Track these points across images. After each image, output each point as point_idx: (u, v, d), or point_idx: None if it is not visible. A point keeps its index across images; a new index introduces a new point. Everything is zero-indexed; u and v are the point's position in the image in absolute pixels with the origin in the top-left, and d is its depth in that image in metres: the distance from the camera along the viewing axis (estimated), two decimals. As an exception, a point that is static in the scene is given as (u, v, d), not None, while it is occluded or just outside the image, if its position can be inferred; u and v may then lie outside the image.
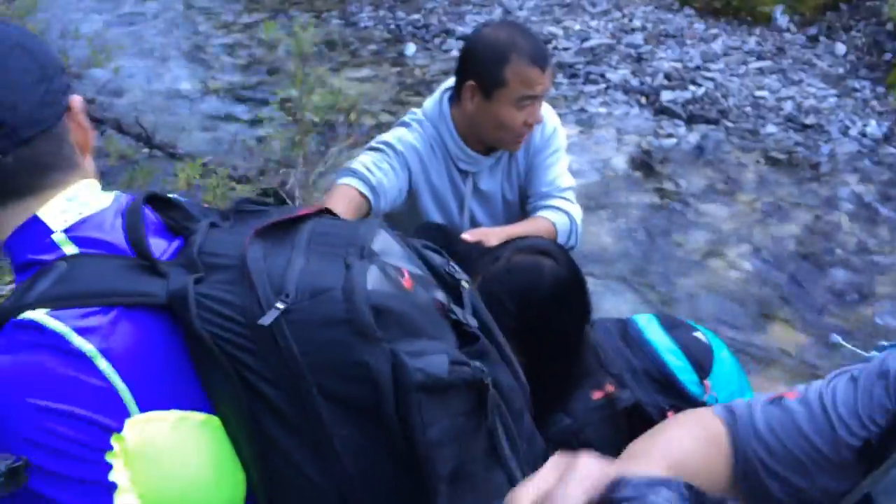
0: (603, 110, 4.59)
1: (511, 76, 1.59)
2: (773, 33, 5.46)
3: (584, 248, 3.70)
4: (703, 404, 1.34)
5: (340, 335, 0.79)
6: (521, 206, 1.83)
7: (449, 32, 5.81)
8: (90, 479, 0.74)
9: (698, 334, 1.44)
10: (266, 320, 0.76)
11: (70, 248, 0.80)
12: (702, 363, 1.39)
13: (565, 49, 5.33)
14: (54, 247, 0.80)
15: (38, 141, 0.82)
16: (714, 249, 3.48)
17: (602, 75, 4.96)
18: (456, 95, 1.70)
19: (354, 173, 1.64)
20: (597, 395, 1.32)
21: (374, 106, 4.82)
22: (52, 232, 0.80)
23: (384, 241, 0.88)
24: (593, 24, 5.69)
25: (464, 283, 0.94)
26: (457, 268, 0.95)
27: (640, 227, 3.63)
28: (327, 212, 0.92)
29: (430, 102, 1.78)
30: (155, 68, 5.05)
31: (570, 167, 1.85)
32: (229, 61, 5.36)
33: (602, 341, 1.41)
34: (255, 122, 4.44)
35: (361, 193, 1.61)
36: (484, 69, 1.61)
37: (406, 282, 0.85)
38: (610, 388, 1.34)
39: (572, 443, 1.25)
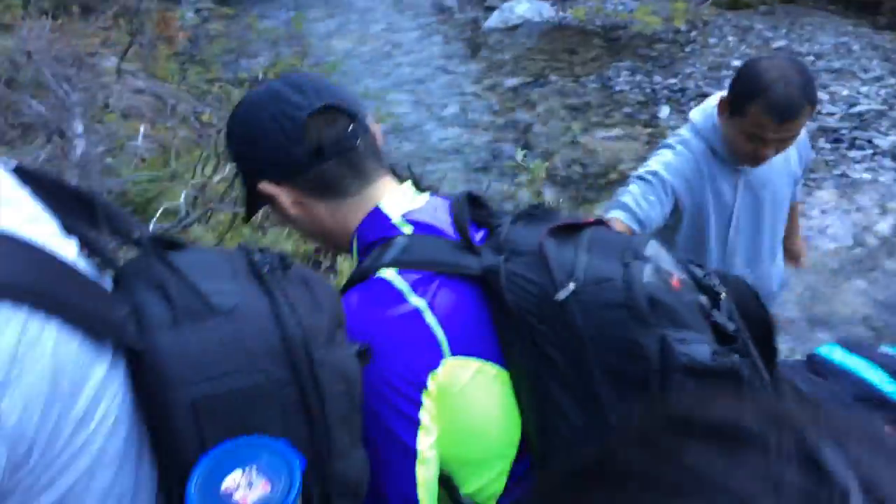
0: (867, 176, 4.36)
1: (750, 112, 1.75)
2: None
3: (836, 315, 3.54)
4: None
5: (618, 317, 0.97)
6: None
7: (706, 97, 5.83)
8: (405, 412, 0.98)
9: (884, 350, 1.46)
10: (561, 296, 0.97)
11: (407, 229, 1.07)
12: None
13: (830, 114, 5.13)
14: (395, 228, 1.07)
15: (369, 133, 1.13)
16: None
17: (869, 141, 4.71)
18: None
19: (625, 207, 1.84)
20: None
21: (623, 164, 4.99)
22: (391, 218, 1.08)
23: (655, 249, 1.07)
24: (863, 89, 5.42)
25: (723, 295, 1.08)
26: (716, 280, 1.10)
27: (901, 298, 3.41)
28: (603, 223, 1.12)
29: (699, 114, 1.95)
30: (425, 124, 5.64)
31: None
32: (490, 120, 5.82)
33: (794, 378, 1.46)
34: (509, 175, 4.80)
35: (629, 228, 1.83)
36: (737, 91, 1.78)
37: (674, 282, 1.02)
38: None
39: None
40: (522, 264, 1.01)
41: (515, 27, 7.31)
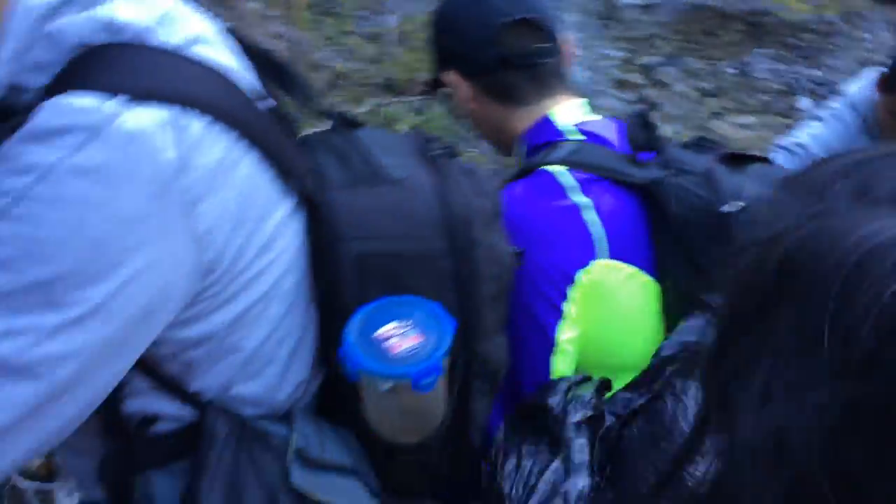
0: None
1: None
2: None
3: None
4: None
5: None
6: None
7: (850, 91, 5.55)
8: (552, 300, 1.02)
9: None
10: (727, 209, 0.99)
11: (576, 136, 1.12)
12: None
13: None
14: (563, 134, 1.12)
15: (559, 53, 1.18)
16: None
17: None
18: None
19: None
20: None
21: (754, 152, 4.82)
22: (561, 125, 1.13)
23: None
24: None
25: None
26: None
27: None
28: (770, 161, 1.14)
29: (855, 87, 1.89)
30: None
31: None
32: (620, 95, 5.73)
33: None
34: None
35: None
36: (892, 66, 1.70)
37: None
38: None
39: None
40: (689, 181, 1.02)
41: (654, 5, 7.12)
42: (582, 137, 1.11)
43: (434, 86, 1.26)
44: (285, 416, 0.91)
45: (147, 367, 0.82)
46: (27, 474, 1.72)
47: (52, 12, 0.74)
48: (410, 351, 0.84)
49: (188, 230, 0.75)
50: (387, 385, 0.84)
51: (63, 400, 0.73)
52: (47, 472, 1.75)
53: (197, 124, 0.75)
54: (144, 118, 0.71)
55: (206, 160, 0.75)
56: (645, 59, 6.49)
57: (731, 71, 6.17)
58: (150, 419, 0.86)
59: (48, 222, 0.68)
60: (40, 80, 0.75)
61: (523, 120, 1.17)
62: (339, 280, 0.88)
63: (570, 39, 1.21)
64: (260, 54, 0.92)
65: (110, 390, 0.78)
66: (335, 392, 0.95)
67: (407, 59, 5.46)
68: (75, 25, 0.74)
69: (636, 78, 6.09)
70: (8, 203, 0.68)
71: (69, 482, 1.71)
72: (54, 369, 0.71)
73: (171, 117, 0.73)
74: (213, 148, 0.76)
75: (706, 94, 5.77)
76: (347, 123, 0.98)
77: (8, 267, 0.68)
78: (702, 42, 6.88)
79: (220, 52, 0.84)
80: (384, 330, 0.85)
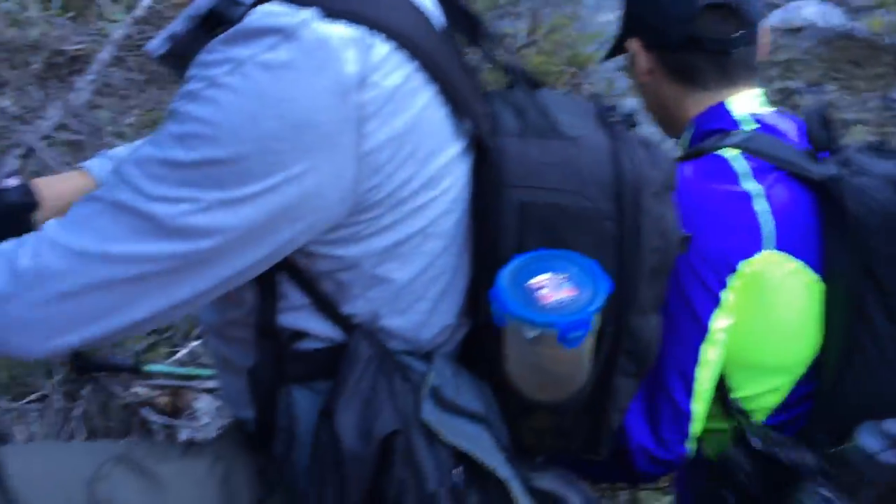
0: None
1: None
2: None
3: None
4: None
5: None
6: None
7: None
8: (709, 286, 0.99)
9: None
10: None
11: (750, 126, 1.08)
12: None
13: None
14: (736, 122, 1.09)
15: (753, 46, 1.15)
16: None
17: None
18: None
19: None
20: None
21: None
22: (735, 114, 1.10)
23: None
24: None
25: None
26: None
27: None
28: None
29: None
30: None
31: None
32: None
33: None
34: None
35: None
36: None
37: None
38: None
39: None
40: (870, 182, 0.98)
41: (798, 30, 6.85)
42: (756, 127, 1.08)
43: (615, 50, 1.25)
44: (426, 356, 0.92)
45: (305, 282, 0.85)
46: (155, 409, 1.82)
47: None
48: (561, 303, 0.84)
49: (353, 146, 0.78)
50: (533, 333, 0.83)
51: (197, 271, 0.78)
52: (173, 410, 1.84)
53: (382, 47, 0.78)
54: (334, 31, 0.76)
55: (385, 82, 0.78)
56: (783, 84, 6.23)
57: (875, 104, 5.85)
58: (300, 334, 0.89)
59: (227, 108, 0.74)
60: None
61: (698, 104, 1.14)
62: (499, 226, 0.88)
63: (768, 31, 1.17)
64: (454, 3, 0.94)
65: (239, 281, 0.83)
66: (479, 345, 0.95)
67: (537, 60, 5.46)
68: None
69: (774, 101, 5.82)
70: (200, 87, 0.75)
71: (192, 422, 1.80)
72: (201, 239, 0.76)
73: (359, 35, 0.77)
74: (394, 73, 0.79)
75: (847, 124, 5.48)
76: (529, 81, 0.99)
77: (187, 143, 0.75)
78: (845, 71, 6.55)
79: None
80: (538, 279, 0.85)
